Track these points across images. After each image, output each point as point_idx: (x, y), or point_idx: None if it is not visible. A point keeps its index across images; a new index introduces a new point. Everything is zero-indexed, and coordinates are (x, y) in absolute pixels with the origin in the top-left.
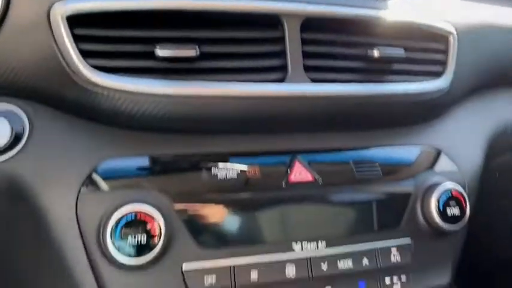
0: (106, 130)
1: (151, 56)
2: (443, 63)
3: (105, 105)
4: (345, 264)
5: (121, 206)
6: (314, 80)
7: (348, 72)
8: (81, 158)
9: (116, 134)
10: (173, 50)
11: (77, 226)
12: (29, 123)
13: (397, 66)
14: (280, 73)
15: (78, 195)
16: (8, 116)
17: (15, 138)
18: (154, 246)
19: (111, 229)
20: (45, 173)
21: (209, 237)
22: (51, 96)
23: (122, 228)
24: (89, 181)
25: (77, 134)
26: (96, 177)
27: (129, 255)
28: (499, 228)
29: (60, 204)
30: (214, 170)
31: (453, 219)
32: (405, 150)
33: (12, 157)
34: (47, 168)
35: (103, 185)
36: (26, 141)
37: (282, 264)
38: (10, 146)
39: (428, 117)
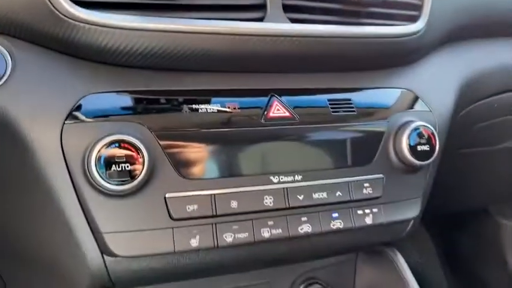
0: (89, 66)
1: None
2: (419, 8)
3: (86, 40)
4: (320, 196)
5: (105, 136)
6: (293, 20)
7: (326, 14)
8: (65, 92)
9: (99, 70)
10: None
11: (62, 156)
12: (11, 59)
13: (374, 9)
14: (259, 12)
15: (62, 127)
16: None
17: None
18: (138, 175)
19: (96, 158)
20: (29, 106)
21: (191, 169)
22: (32, 31)
23: (106, 156)
24: (74, 114)
25: (60, 69)
26: (80, 110)
27: (114, 183)
28: (464, 176)
29: (45, 136)
30: (195, 106)
31: (423, 155)
32: (380, 92)
33: None
34: (31, 101)
35: (87, 118)
36: (9, 75)
37: (261, 194)
38: None
39: (404, 61)
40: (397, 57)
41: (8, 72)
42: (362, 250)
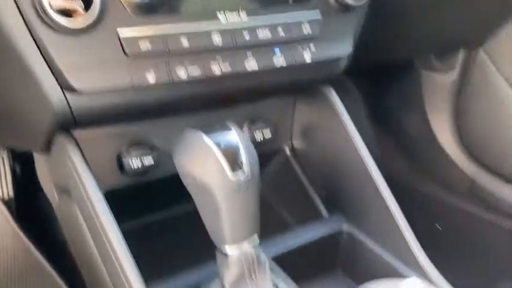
0: None
1: None
2: None
3: None
4: (264, 34)
5: None
6: None
7: None
8: None
9: None
10: None
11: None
12: None
13: None
14: None
15: None
16: None
17: None
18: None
19: None
20: None
21: (141, 7)
22: None
23: None
24: None
25: None
26: None
27: (66, 19)
28: (392, 23)
29: None
30: None
31: None
32: None
33: None
34: None
35: None
36: None
37: (209, 33)
38: None
39: None
40: None
41: None
42: (302, 88)
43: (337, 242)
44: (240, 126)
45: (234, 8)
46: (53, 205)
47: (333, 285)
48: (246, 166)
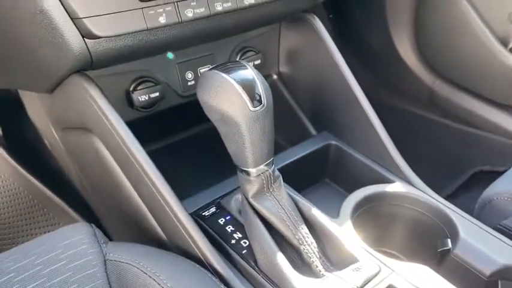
0: None
1: None
2: None
3: None
4: None
5: None
6: None
7: None
8: None
9: None
10: None
11: None
12: None
13: None
14: None
15: None
16: None
17: None
18: None
19: None
20: None
21: None
22: None
23: None
24: None
25: None
26: None
27: None
28: None
29: None
30: None
31: None
32: None
33: None
34: None
35: None
36: None
37: None
38: None
39: None
40: None
41: None
42: (288, 17)
43: (326, 155)
44: (233, 56)
45: None
46: (48, 141)
47: (325, 193)
48: (263, 98)
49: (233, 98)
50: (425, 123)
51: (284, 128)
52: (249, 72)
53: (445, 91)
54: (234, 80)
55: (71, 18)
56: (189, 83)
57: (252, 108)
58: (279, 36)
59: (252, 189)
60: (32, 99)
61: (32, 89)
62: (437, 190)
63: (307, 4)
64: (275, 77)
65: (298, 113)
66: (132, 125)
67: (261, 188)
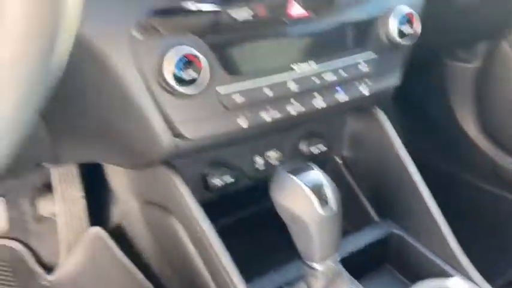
0: None
1: None
2: None
3: None
4: (329, 77)
5: (172, 47)
6: None
7: None
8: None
9: None
10: None
11: (134, 65)
12: None
13: None
14: None
15: (132, 42)
16: None
17: None
18: (199, 78)
19: (168, 65)
20: (98, 24)
21: (235, 67)
22: None
23: (179, 62)
24: (140, 25)
25: None
26: (145, 26)
27: (184, 85)
28: None
29: (117, 52)
30: (233, 14)
31: (407, 36)
32: None
33: None
34: (100, 20)
35: (153, 30)
36: None
37: (285, 82)
38: None
39: None
40: None
41: None
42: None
43: (388, 243)
44: (298, 143)
45: (305, 60)
46: (126, 209)
47: (386, 281)
48: (331, 201)
49: (302, 200)
50: (489, 197)
51: (345, 210)
52: (319, 176)
53: (510, 164)
54: (303, 182)
55: (164, 120)
56: (259, 167)
57: (321, 212)
58: (344, 123)
59: (316, 284)
60: (116, 169)
61: (122, 165)
62: (498, 274)
63: (374, 102)
64: (339, 161)
65: (360, 196)
66: (206, 205)
67: (326, 284)
